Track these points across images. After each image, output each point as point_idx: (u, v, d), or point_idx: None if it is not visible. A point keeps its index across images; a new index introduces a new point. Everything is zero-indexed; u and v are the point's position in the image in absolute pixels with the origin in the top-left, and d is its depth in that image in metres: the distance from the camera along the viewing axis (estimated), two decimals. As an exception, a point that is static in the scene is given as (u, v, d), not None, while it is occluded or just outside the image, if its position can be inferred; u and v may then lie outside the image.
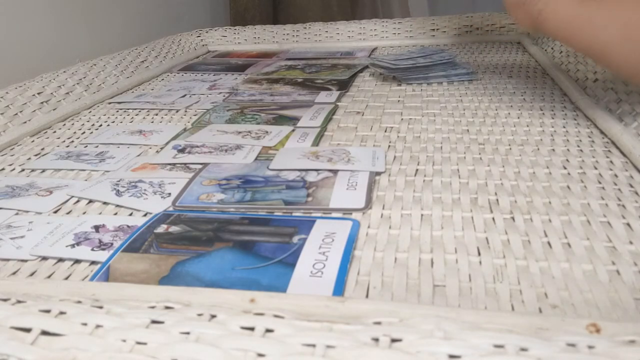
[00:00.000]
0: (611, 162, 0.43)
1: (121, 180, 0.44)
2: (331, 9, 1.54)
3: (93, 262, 0.33)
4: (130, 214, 0.39)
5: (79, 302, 0.21)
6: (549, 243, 0.32)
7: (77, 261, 0.33)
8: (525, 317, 0.20)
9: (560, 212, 0.36)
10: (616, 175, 0.41)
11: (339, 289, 0.29)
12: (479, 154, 0.46)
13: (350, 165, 0.44)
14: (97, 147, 0.54)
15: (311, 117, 0.58)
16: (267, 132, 0.54)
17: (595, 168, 0.42)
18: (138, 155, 0.50)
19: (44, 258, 0.34)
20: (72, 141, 0.56)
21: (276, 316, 0.20)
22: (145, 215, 0.38)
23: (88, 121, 0.63)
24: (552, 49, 0.80)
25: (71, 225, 0.37)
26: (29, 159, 0.51)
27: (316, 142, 0.51)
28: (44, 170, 0.48)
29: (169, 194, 0.41)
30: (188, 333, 0.19)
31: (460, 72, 0.71)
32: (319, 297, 0.22)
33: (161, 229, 0.36)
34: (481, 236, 0.33)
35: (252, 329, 0.19)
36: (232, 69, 0.86)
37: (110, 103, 0.70)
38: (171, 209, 0.39)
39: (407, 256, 0.32)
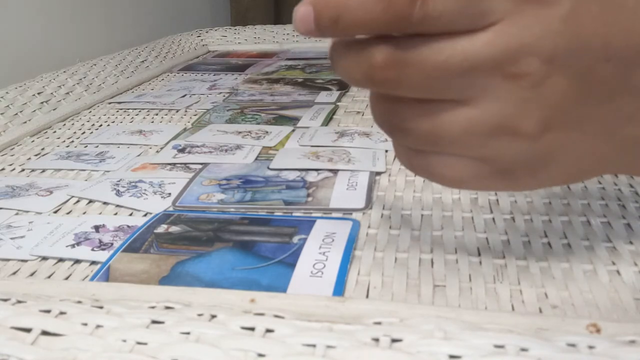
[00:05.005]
0: (611, 162, 0.43)
1: (121, 180, 0.44)
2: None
3: (93, 262, 0.33)
4: (130, 214, 0.39)
5: (79, 302, 0.21)
6: (549, 243, 0.32)
7: (77, 261, 0.33)
8: (526, 317, 0.20)
9: (560, 212, 0.36)
10: (616, 176, 0.41)
11: (339, 289, 0.29)
12: (479, 154, 0.46)
13: (350, 165, 0.44)
14: (97, 147, 0.53)
15: (311, 117, 0.58)
16: (267, 132, 0.54)
17: (596, 168, 0.42)
18: (138, 155, 0.50)
19: (44, 258, 0.34)
20: (72, 141, 0.56)
21: (276, 316, 0.20)
22: (145, 215, 0.38)
23: (88, 121, 0.63)
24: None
25: (71, 225, 0.37)
26: (29, 159, 0.51)
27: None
28: (44, 170, 0.48)
29: (169, 194, 0.41)
30: (188, 333, 0.19)
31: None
32: (319, 297, 0.22)
33: (161, 229, 0.36)
34: (481, 236, 0.33)
35: (252, 329, 0.19)
36: (232, 69, 0.86)
37: (110, 103, 0.70)
38: (171, 209, 0.39)
39: (407, 256, 0.32)
